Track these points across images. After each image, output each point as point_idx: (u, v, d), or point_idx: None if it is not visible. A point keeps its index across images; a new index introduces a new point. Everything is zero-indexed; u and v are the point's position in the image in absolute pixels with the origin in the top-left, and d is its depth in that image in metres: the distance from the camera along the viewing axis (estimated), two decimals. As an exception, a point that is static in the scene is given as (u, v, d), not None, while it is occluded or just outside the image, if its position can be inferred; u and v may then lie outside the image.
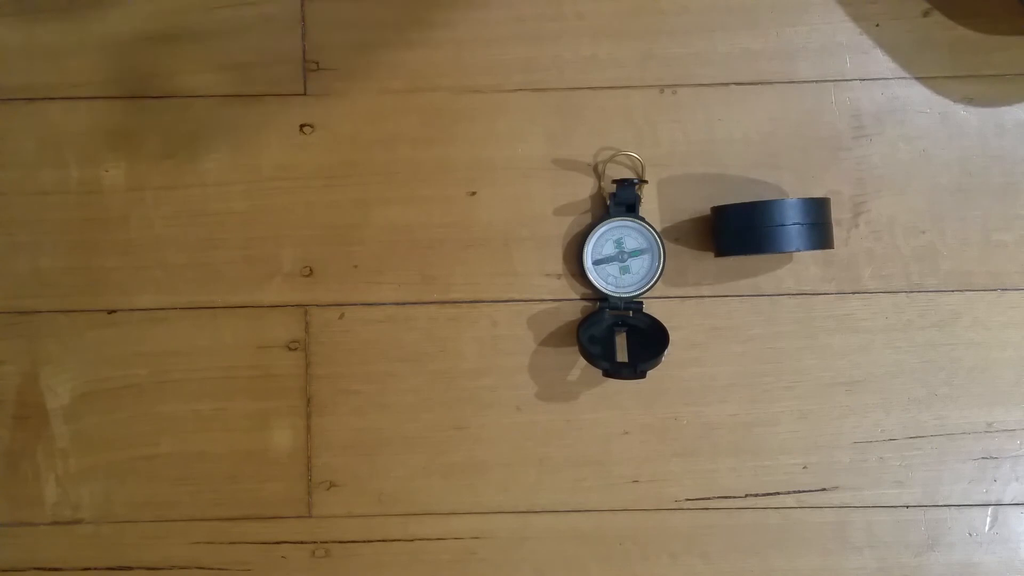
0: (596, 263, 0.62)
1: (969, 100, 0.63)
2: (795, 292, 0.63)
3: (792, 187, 0.63)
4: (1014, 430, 0.62)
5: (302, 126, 0.63)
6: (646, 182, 0.63)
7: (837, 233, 0.62)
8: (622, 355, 0.60)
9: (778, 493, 0.63)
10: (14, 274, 0.63)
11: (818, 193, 0.63)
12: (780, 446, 0.63)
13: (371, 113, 0.63)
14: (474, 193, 0.63)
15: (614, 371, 0.56)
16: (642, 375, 0.56)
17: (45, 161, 0.63)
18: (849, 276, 0.63)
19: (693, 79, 0.63)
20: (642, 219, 0.61)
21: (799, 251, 0.61)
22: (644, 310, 0.62)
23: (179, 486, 0.63)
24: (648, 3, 0.64)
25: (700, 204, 0.63)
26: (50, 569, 0.63)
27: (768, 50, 0.63)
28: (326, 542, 0.63)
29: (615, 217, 0.62)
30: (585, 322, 0.61)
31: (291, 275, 0.63)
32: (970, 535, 0.63)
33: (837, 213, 0.62)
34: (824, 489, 0.63)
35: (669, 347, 0.58)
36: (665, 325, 0.60)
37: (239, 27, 0.63)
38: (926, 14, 0.63)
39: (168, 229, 0.63)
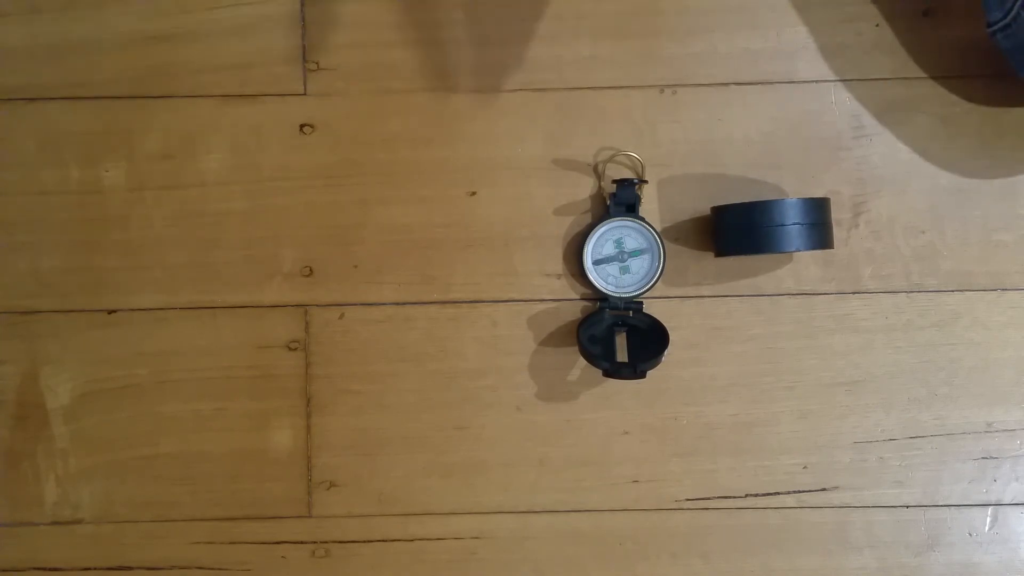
0: (596, 263, 0.62)
1: (969, 99, 0.63)
2: (795, 292, 0.63)
3: (792, 187, 0.63)
4: (1014, 430, 0.62)
5: (302, 126, 0.63)
6: (646, 182, 0.63)
7: (837, 233, 0.62)
8: (622, 355, 0.60)
9: (778, 493, 0.63)
10: (14, 274, 0.63)
11: (818, 193, 0.63)
12: (780, 446, 0.63)
13: (371, 113, 0.63)
14: (474, 193, 0.63)
15: (614, 371, 0.56)
16: (642, 375, 0.56)
17: (45, 161, 0.63)
18: (849, 276, 0.63)
19: (693, 79, 0.63)
20: (642, 219, 0.61)
21: (799, 251, 0.61)
22: (644, 310, 0.62)
23: (179, 486, 0.63)
24: (648, 3, 0.64)
25: (700, 204, 0.63)
26: (50, 569, 0.63)
27: (768, 50, 0.63)
28: (326, 542, 0.63)
29: (615, 217, 0.61)
30: (585, 322, 0.61)
31: (291, 275, 0.63)
32: (970, 535, 0.62)
33: (837, 213, 0.62)
34: (824, 489, 0.63)
35: (669, 347, 0.58)
36: (665, 325, 0.60)
37: (239, 27, 0.63)
38: (926, 14, 0.63)
39: (168, 229, 0.63)
